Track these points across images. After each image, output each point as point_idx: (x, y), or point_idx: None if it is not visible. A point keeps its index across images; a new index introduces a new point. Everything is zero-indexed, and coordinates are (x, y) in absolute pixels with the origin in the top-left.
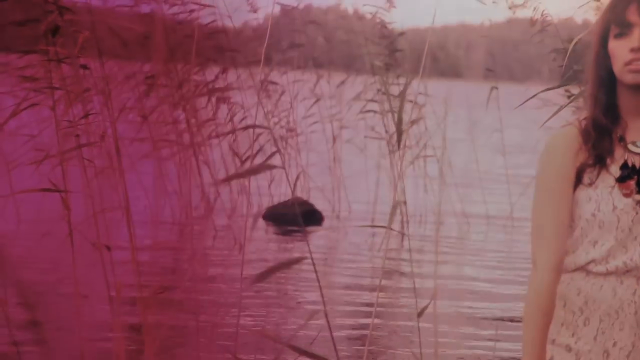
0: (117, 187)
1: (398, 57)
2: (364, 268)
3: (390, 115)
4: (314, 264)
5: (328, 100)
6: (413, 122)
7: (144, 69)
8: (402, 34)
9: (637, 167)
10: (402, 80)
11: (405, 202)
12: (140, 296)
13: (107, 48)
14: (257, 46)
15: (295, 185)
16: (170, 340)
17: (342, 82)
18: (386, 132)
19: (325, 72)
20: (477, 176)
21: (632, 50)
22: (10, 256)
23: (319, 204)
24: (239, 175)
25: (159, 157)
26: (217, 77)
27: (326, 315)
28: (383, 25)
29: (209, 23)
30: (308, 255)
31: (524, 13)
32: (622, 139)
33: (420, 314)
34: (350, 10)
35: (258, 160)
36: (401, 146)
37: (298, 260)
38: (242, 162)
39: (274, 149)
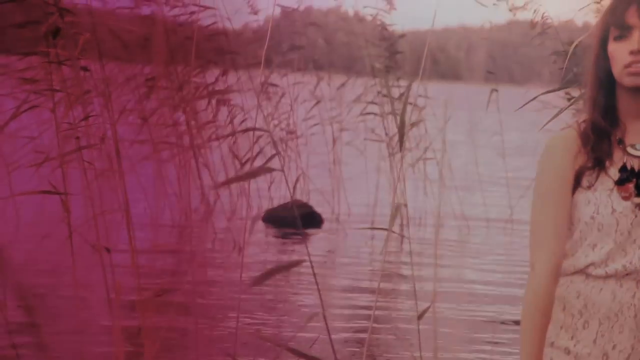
0: (117, 189)
1: (398, 59)
2: (363, 271)
3: (390, 117)
4: (312, 267)
5: (328, 103)
6: (413, 125)
7: (144, 71)
8: (402, 36)
9: (636, 170)
10: (402, 83)
11: (406, 205)
12: (139, 299)
13: (107, 50)
14: (257, 48)
15: (294, 187)
16: (169, 342)
17: (343, 85)
18: (386, 134)
19: (325, 74)
20: (477, 179)
21: (632, 52)
22: (10, 258)
23: (319, 207)
24: (238, 179)
25: (158, 159)
26: (217, 79)
27: (324, 318)
28: (383, 27)
29: (209, 25)
30: (307, 258)
31: (525, 15)
32: (621, 142)
33: (420, 317)
34: (351, 12)
35: (258, 162)
36: (402, 148)
37: (297, 263)
38: (242, 165)
39: (274, 152)
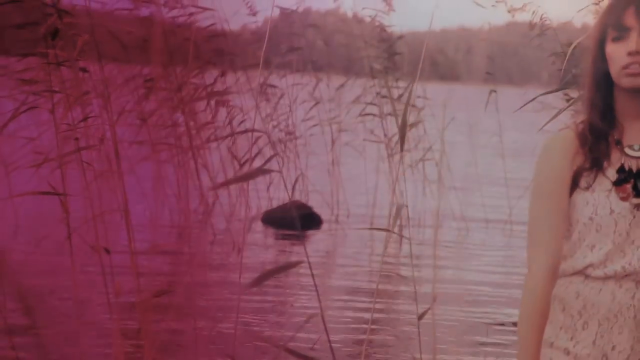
0: (116, 190)
1: (397, 61)
2: (362, 272)
3: (389, 118)
4: (310, 268)
5: (327, 104)
6: (412, 126)
7: (143, 72)
8: (401, 37)
9: (634, 170)
10: (401, 84)
11: (406, 206)
12: (138, 299)
13: (106, 51)
14: (256, 49)
15: (293, 188)
16: (168, 343)
17: (341, 85)
18: (385, 135)
19: (324, 75)
20: (476, 179)
21: (630, 53)
22: (9, 259)
23: (318, 207)
24: (237, 180)
25: (157, 160)
26: (216, 81)
27: (323, 319)
28: (382, 28)
29: (208, 26)
30: (305, 259)
31: (523, 17)
32: (618, 143)
33: (420, 318)
34: (350, 14)
35: (257, 163)
36: (403, 149)
37: (295, 265)
38: (241, 166)
39: (273, 153)
